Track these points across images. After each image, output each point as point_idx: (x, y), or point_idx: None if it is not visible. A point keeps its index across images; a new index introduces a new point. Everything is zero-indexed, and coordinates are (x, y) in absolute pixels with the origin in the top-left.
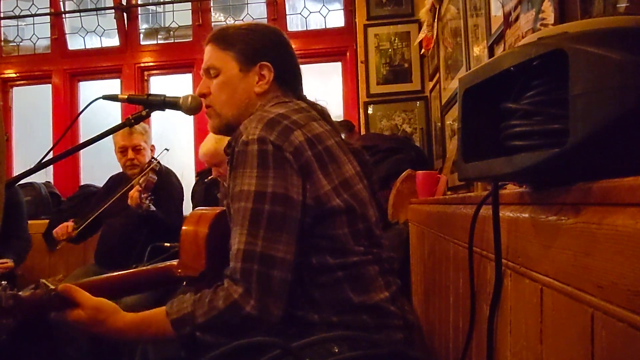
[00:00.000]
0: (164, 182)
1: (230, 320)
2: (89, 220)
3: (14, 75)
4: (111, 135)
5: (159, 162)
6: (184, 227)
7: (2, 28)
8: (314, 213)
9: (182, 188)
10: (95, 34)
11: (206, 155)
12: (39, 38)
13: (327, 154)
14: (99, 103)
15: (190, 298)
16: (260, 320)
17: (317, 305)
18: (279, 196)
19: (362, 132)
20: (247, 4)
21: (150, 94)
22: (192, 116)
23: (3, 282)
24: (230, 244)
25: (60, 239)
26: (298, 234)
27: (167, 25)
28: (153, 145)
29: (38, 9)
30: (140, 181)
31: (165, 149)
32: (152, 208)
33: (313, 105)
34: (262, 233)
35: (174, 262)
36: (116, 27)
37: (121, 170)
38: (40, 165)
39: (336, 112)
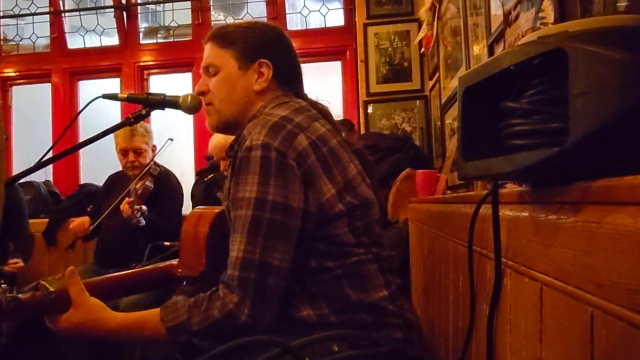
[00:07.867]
0: (164, 184)
1: (225, 329)
2: (103, 215)
3: (13, 74)
4: (112, 134)
5: (158, 166)
6: (184, 227)
7: (1, 27)
8: (317, 219)
9: (181, 189)
10: (95, 32)
11: (216, 148)
12: (38, 37)
13: (331, 155)
14: (99, 102)
15: (185, 304)
16: (254, 327)
17: (314, 300)
18: (280, 205)
19: (362, 131)
20: (247, 2)
21: (150, 93)
22: (191, 115)
23: (3, 285)
24: (230, 250)
25: (80, 236)
26: (296, 242)
27: (166, 24)
28: (154, 146)
29: (37, 7)
30: (137, 186)
31: (170, 139)
32: (142, 223)
33: (314, 104)
34: (261, 241)
35: (174, 261)
36: (116, 26)
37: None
38: (40, 164)
39: (336, 111)
